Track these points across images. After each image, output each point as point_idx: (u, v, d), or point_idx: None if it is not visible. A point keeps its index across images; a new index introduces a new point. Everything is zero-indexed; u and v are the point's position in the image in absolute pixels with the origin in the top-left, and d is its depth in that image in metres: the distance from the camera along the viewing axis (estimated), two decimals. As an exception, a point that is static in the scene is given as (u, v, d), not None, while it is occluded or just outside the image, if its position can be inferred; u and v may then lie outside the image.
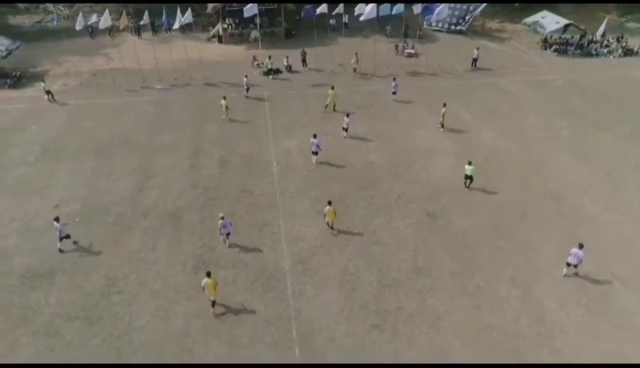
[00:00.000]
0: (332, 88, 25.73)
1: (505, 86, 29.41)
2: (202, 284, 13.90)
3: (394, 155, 22.23)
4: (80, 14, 31.03)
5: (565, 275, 15.42)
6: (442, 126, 24.08)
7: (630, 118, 25.39)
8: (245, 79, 27.64)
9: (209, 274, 13.88)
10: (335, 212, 16.94)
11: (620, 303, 14.66)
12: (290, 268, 15.91)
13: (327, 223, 17.34)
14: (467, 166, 19.40)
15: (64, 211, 18.32)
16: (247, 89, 27.59)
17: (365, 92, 28.52)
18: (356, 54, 30.94)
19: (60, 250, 16.48)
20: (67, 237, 16.54)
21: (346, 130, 23.30)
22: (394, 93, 27.00)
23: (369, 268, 15.94)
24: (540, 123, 25.02)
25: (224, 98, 24.99)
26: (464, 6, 37.65)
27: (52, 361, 13.00)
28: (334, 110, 25.69)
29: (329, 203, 17.02)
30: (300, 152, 22.04)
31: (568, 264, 15.29)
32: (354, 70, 30.97)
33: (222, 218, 16.32)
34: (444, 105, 23.83)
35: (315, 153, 21.00)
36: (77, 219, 18.04)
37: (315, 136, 20.79)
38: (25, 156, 22.15)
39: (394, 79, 27.33)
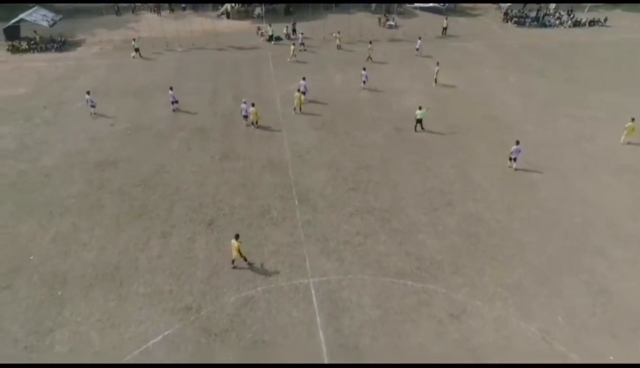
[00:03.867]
0: (370, 42, 32.48)
1: (468, 48, 35.26)
2: (249, 112, 23.28)
3: (374, 94, 28.01)
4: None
5: (509, 167, 20.80)
6: (436, 82, 28.54)
7: (569, 69, 31.32)
8: (300, 35, 34.95)
9: (253, 104, 23.09)
10: (301, 100, 25.03)
11: (530, 179, 20.40)
12: (291, 159, 21.64)
13: (295, 108, 25.34)
14: (417, 111, 23.47)
15: (117, 128, 24.15)
16: (302, 43, 34.32)
17: (354, 52, 34.32)
18: (338, 32, 35.30)
19: (174, 111, 25.36)
20: (176, 102, 25.49)
21: (364, 82, 28.04)
22: (417, 49, 33.13)
23: (349, 160, 21.66)
24: (493, 73, 30.86)
25: (294, 44, 33.05)
26: None
27: (124, 209, 18.60)
28: (371, 60, 32.09)
29: (299, 90, 25.33)
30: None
31: (510, 158, 20.72)
32: (338, 46, 34.98)
33: (245, 102, 23.48)
34: (437, 64, 28.55)
35: (303, 93, 25.78)
36: (128, 132, 23.79)
37: (304, 79, 26.23)
38: (79, 96, 27.72)
39: (419, 38, 33.56)
